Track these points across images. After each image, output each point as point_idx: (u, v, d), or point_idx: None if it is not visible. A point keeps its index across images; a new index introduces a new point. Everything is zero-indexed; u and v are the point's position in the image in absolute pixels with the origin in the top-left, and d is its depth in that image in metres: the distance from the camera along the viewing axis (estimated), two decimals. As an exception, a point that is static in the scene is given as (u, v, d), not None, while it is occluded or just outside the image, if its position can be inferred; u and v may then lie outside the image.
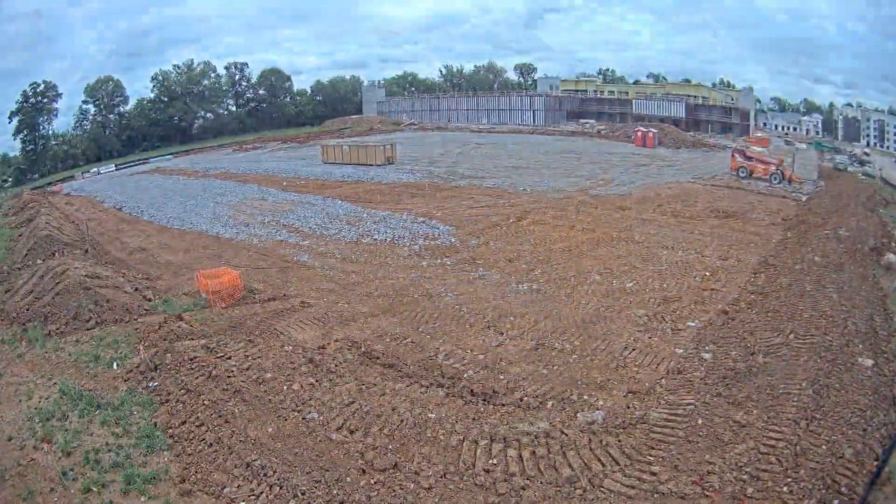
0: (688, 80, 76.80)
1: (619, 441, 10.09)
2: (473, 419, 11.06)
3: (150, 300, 18.96)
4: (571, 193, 33.41)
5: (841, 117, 77.22)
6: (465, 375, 13.11)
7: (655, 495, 8.74)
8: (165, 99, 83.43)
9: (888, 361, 12.70)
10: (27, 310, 18.36)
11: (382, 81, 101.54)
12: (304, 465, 9.59)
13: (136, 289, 19.95)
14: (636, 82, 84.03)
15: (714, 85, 75.08)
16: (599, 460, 9.63)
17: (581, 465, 9.50)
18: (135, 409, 11.89)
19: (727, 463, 9.29)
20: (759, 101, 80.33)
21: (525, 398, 12.00)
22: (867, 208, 29.90)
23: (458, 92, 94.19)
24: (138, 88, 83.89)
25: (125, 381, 13.32)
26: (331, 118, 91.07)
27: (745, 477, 8.96)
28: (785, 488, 8.67)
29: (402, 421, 10.82)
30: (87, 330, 16.48)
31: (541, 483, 9.14)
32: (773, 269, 19.94)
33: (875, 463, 8.79)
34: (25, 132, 74.82)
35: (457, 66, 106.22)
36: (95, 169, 63.92)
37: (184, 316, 16.55)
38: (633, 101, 77.71)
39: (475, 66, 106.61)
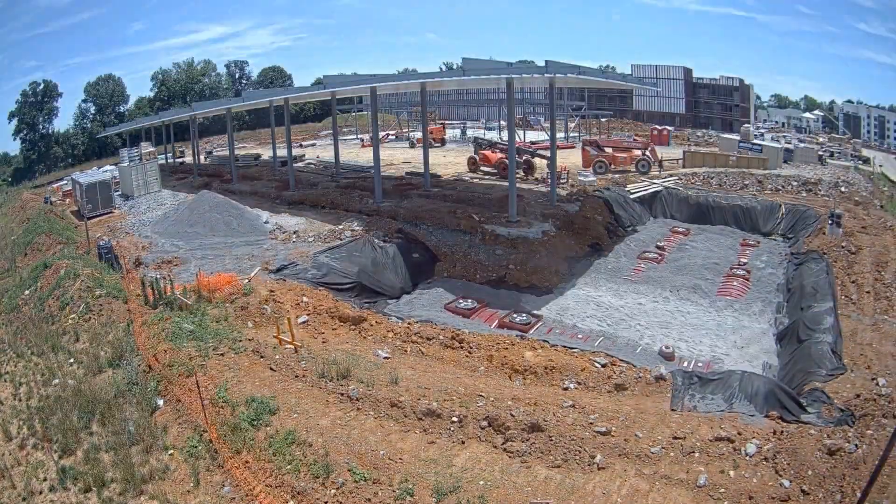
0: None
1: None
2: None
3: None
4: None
5: (841, 114, 77.16)
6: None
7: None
8: (165, 97, 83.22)
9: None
10: (28, 308, 18.43)
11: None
12: (303, 464, 9.61)
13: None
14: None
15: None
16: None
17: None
18: (135, 409, 11.94)
19: None
20: (759, 98, 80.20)
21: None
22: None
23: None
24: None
25: (125, 379, 13.35)
26: (330, 116, 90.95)
27: None
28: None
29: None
30: (88, 329, 16.52)
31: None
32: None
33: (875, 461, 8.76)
34: (25, 131, 74.80)
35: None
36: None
37: (184, 315, 16.53)
38: (634, 97, 77.38)
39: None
